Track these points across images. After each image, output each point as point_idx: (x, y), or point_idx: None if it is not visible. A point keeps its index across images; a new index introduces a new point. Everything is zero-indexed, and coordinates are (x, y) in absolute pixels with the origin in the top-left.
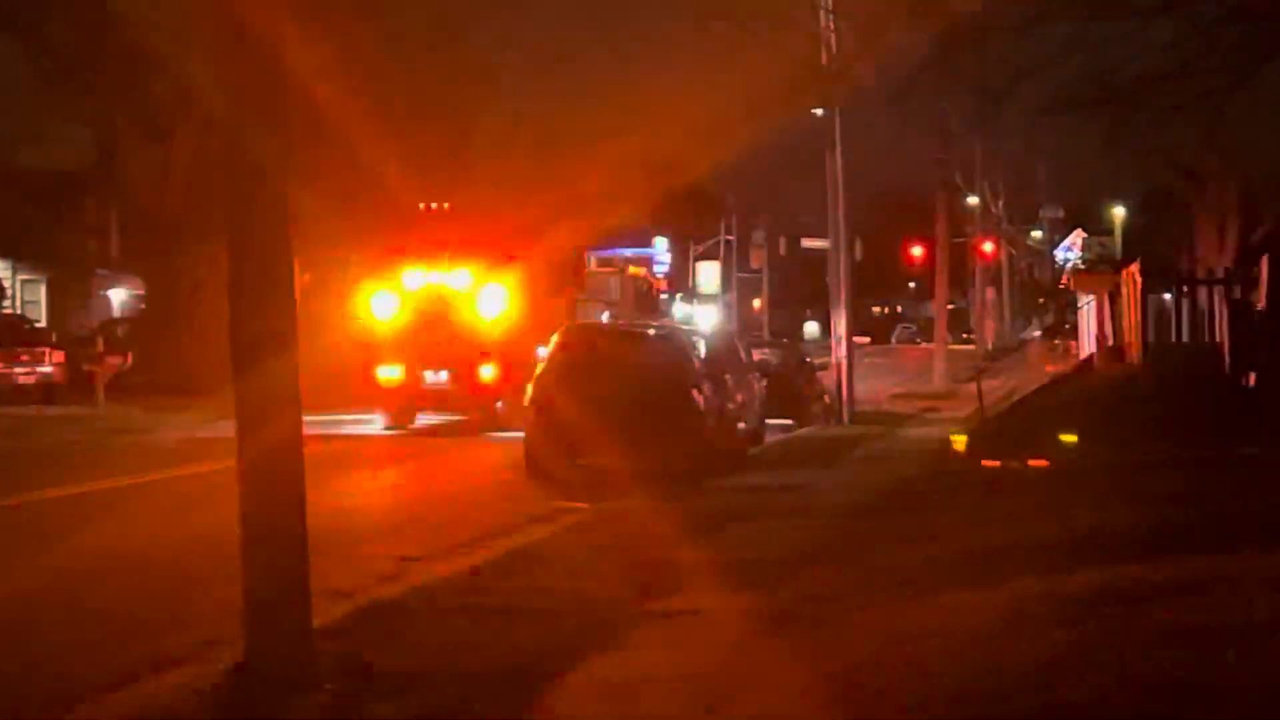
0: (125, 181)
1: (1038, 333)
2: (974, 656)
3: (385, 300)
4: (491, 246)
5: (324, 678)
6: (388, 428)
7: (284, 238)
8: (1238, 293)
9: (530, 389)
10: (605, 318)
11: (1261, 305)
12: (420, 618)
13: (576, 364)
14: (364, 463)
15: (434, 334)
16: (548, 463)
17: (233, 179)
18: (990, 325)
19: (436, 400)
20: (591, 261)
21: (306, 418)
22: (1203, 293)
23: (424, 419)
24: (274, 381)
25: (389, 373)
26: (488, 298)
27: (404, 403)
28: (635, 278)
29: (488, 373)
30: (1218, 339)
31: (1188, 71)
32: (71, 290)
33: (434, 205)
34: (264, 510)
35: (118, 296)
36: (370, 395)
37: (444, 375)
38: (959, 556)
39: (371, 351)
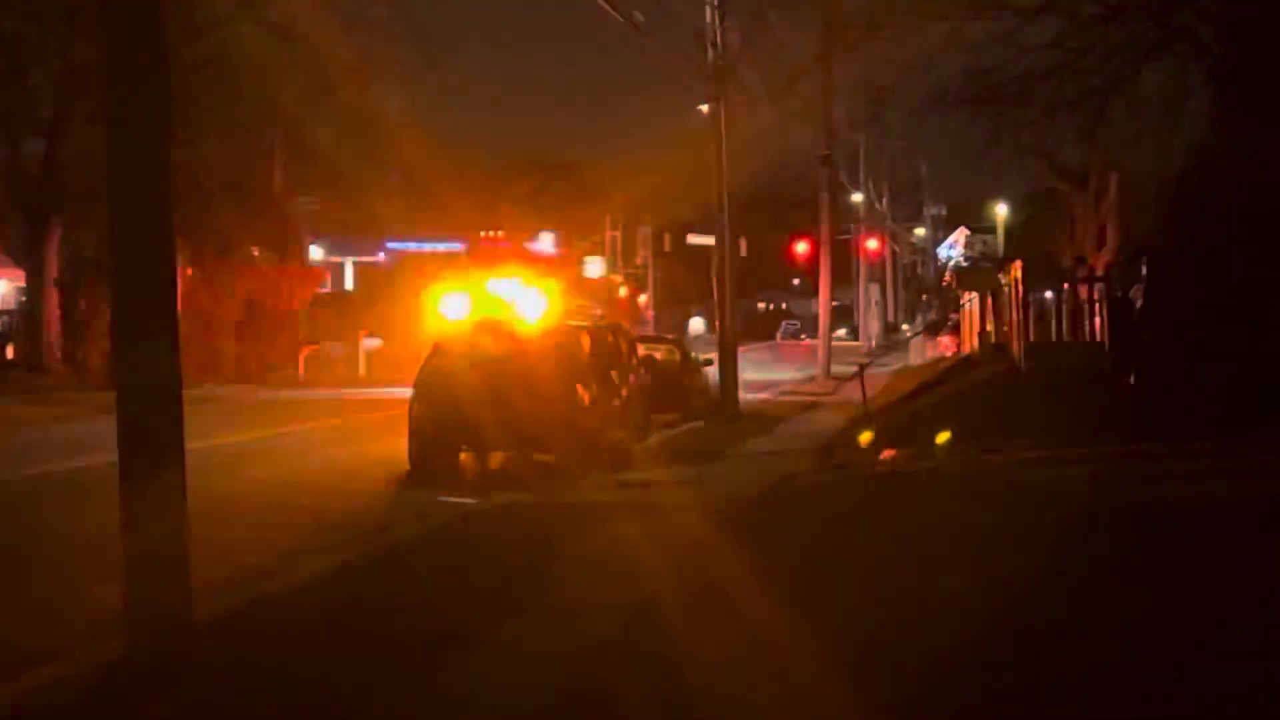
0: (5, 173)
1: (921, 329)
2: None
3: (454, 300)
4: (531, 264)
5: (201, 672)
6: None
7: (167, 232)
8: (1118, 291)
9: (415, 384)
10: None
11: (1141, 304)
12: (299, 613)
13: (462, 359)
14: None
15: None
16: (434, 458)
17: (114, 167)
18: (874, 322)
19: None
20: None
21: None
22: (1084, 291)
23: None
24: (155, 376)
25: None
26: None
27: None
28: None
29: None
30: (1099, 337)
31: (1068, 71)
32: None
33: (491, 233)
34: (145, 508)
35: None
36: None
37: None
38: (838, 553)
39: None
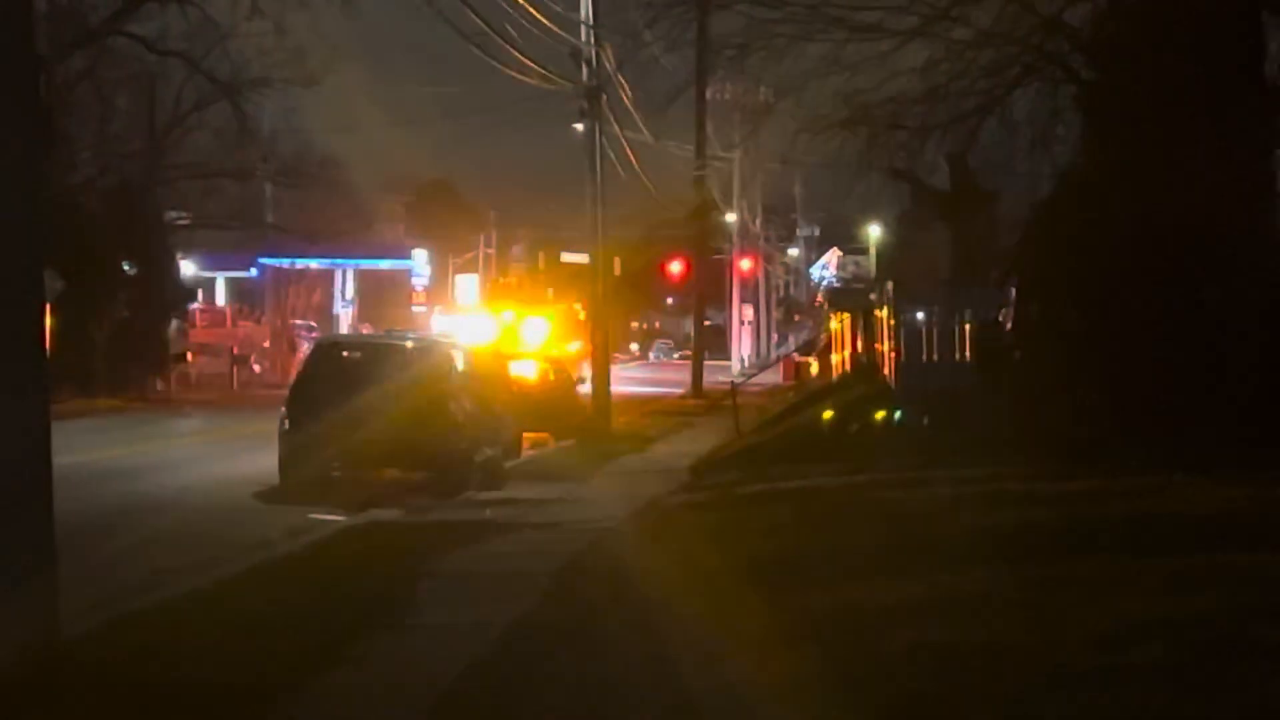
0: None
1: (794, 349)
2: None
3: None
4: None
5: (67, 689)
6: None
7: (37, 246)
8: (988, 314)
9: (286, 400)
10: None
11: (1010, 327)
12: (169, 630)
13: (334, 375)
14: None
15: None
16: (305, 474)
17: None
18: (748, 342)
19: None
20: None
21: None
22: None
23: None
24: (22, 394)
25: None
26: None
27: None
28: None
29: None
30: (969, 359)
31: (939, 95)
32: None
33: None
34: (11, 526)
35: None
36: None
37: None
38: (702, 572)
39: None
